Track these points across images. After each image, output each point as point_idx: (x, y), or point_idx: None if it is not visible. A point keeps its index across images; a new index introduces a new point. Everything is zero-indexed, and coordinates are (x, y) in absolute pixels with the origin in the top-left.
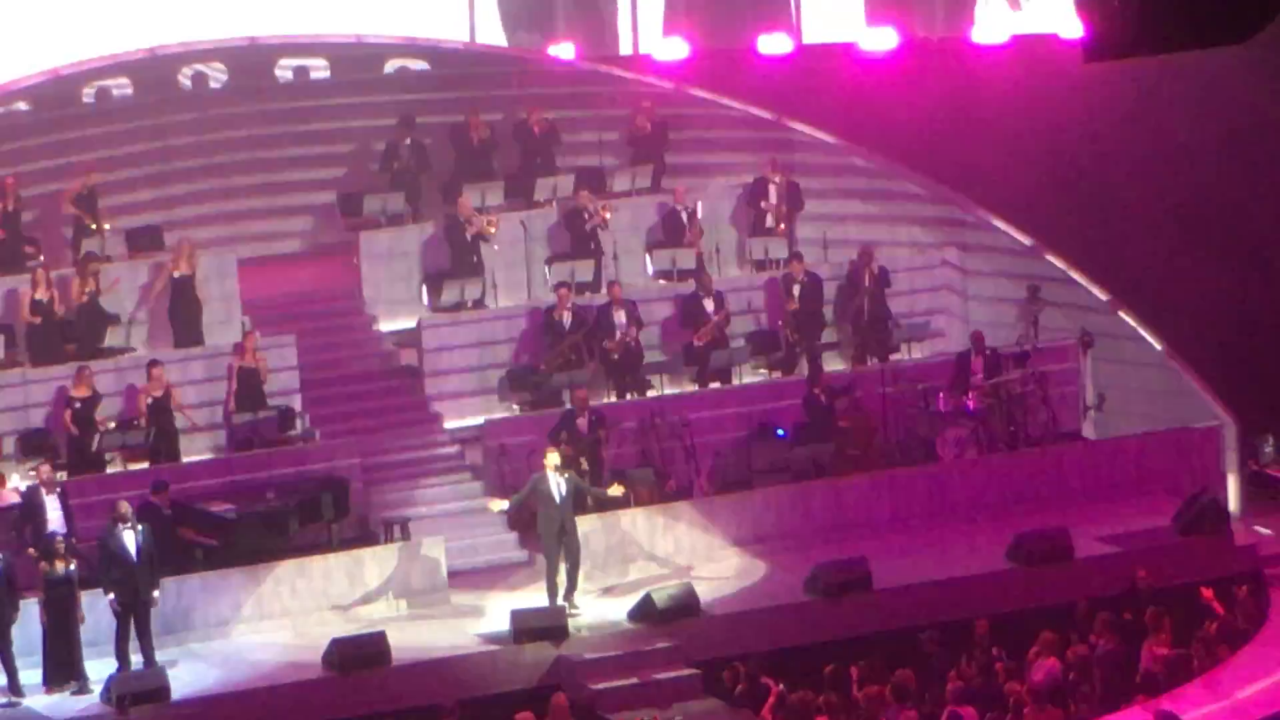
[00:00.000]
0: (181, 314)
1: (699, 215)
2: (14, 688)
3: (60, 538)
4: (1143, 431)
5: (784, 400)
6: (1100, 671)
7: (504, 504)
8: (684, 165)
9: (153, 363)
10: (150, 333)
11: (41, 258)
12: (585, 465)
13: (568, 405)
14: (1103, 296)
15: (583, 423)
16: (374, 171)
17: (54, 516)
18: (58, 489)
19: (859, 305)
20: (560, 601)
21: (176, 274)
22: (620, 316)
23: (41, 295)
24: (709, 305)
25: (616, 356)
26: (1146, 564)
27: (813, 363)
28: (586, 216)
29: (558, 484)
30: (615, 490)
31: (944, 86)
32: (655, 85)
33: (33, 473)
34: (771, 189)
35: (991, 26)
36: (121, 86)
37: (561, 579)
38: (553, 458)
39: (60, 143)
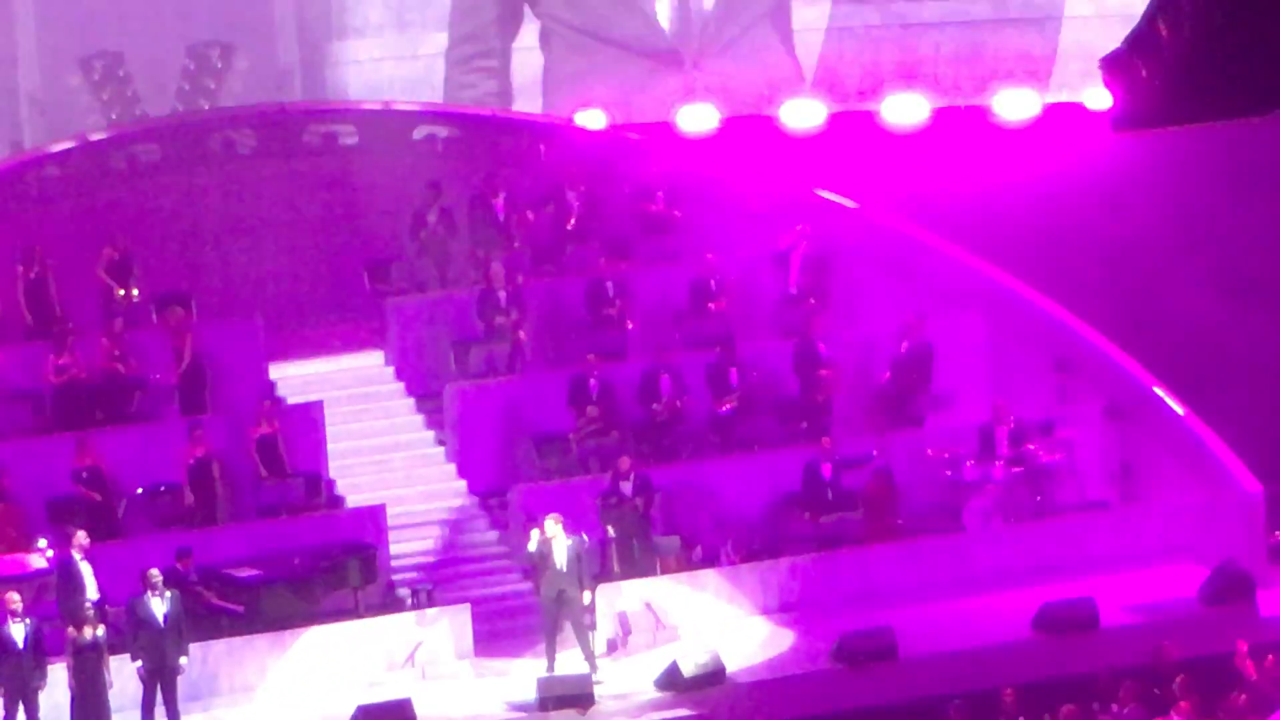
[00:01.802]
0: (190, 383)
1: (727, 284)
2: None
3: (90, 604)
4: (1169, 501)
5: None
6: None
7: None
8: (711, 234)
9: (194, 425)
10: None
11: (70, 323)
12: (612, 532)
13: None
14: (1130, 365)
15: (627, 487)
16: (402, 238)
17: (91, 584)
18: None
19: (894, 373)
20: (578, 668)
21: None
22: (666, 381)
23: (67, 361)
24: (734, 375)
25: (666, 415)
26: (1172, 634)
27: (818, 434)
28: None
29: (559, 550)
30: (585, 597)
31: (972, 155)
32: (682, 154)
33: (45, 543)
34: (797, 257)
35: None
36: (150, 152)
37: (570, 649)
38: (550, 524)
39: (90, 208)
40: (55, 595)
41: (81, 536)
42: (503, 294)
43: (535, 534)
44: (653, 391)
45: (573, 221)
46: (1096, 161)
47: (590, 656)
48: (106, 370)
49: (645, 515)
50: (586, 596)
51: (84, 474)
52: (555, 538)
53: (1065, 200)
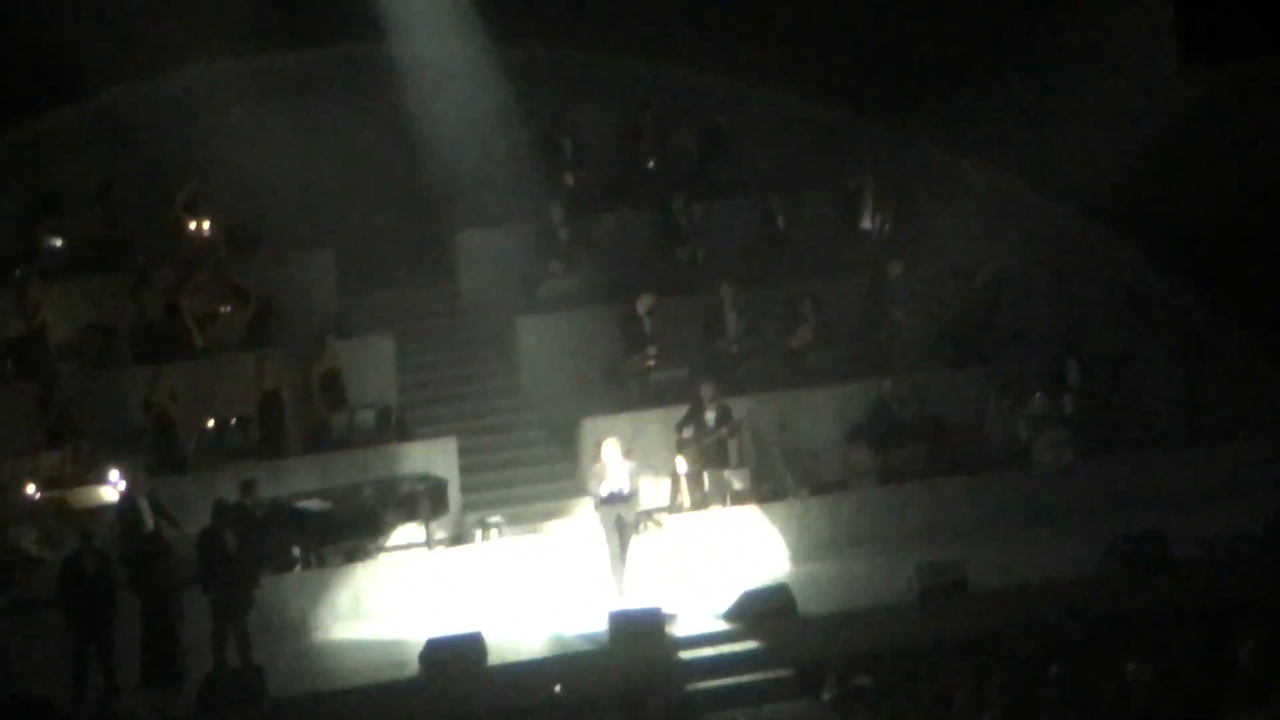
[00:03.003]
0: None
1: (796, 219)
2: (111, 686)
3: (160, 538)
4: (1241, 435)
5: None
6: (1192, 677)
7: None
8: (778, 168)
9: (262, 358)
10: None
11: (144, 258)
12: (685, 466)
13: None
14: (1202, 300)
15: (710, 416)
16: (474, 171)
17: (149, 519)
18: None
19: (966, 308)
20: (650, 600)
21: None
22: (732, 317)
23: (148, 296)
24: (807, 308)
25: (735, 349)
26: (1241, 571)
27: (887, 368)
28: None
29: (617, 473)
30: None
31: None
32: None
33: (116, 475)
34: (868, 193)
35: None
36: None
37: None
38: (608, 448)
39: (164, 143)
40: (121, 530)
41: (140, 474)
42: (562, 232)
43: (599, 468)
44: (719, 325)
45: (651, 162)
46: (1173, 94)
47: (619, 571)
48: (178, 305)
49: (724, 446)
50: (641, 515)
51: (154, 407)
52: (613, 461)
53: (1142, 134)
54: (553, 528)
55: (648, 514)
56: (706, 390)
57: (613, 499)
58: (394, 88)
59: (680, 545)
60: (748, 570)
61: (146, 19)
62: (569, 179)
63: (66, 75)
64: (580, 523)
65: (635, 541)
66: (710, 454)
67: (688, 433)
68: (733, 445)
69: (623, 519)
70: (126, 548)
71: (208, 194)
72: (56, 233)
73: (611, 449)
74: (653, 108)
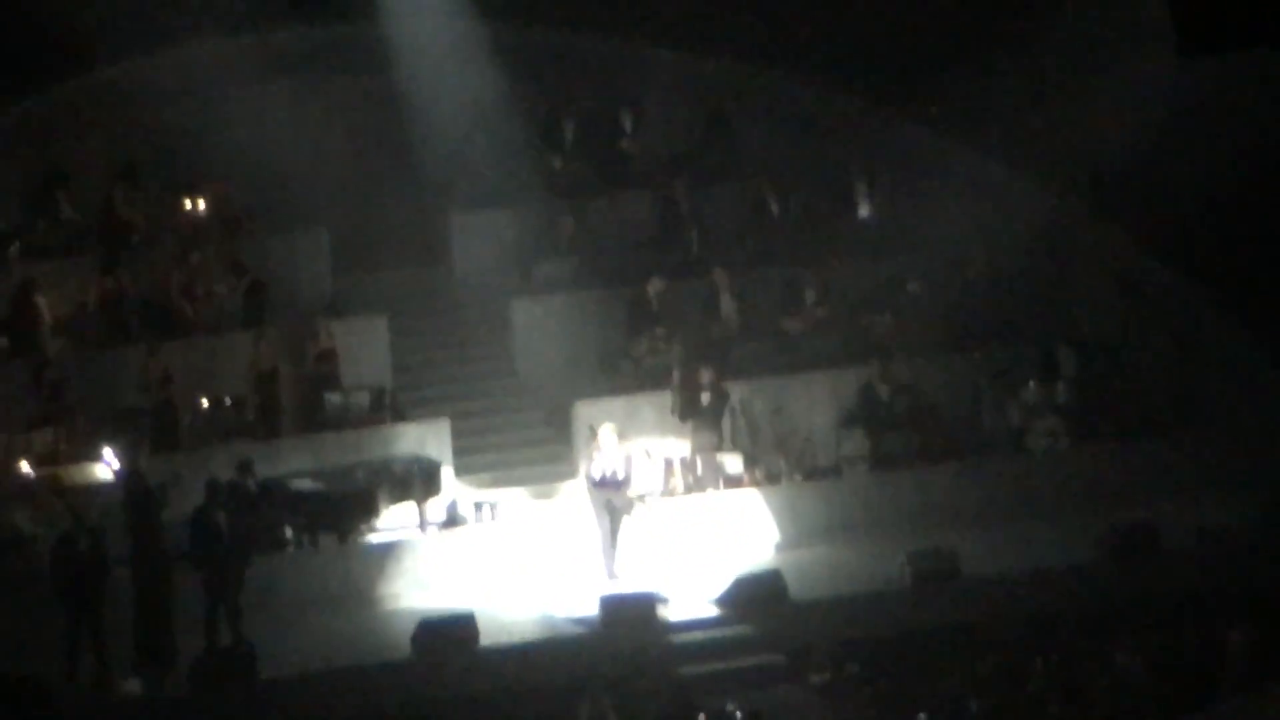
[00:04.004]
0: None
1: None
2: (104, 664)
3: (155, 516)
4: (1237, 424)
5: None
6: (1183, 666)
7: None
8: (772, 153)
9: (260, 336)
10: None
11: (136, 237)
12: (679, 448)
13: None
14: (1197, 289)
15: (706, 397)
16: (469, 152)
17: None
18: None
19: (963, 295)
20: (642, 586)
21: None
22: (725, 299)
23: (113, 279)
24: (810, 295)
25: (731, 334)
26: (1234, 561)
27: (877, 355)
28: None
29: (611, 458)
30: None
31: None
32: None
33: (110, 453)
34: (862, 180)
35: None
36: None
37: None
38: (605, 432)
39: (158, 123)
40: (129, 501)
41: (142, 451)
42: (558, 214)
43: (593, 450)
44: (714, 310)
45: (625, 141)
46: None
47: (611, 555)
48: (168, 284)
49: (718, 429)
50: (633, 499)
51: (151, 386)
52: (608, 445)
53: (1138, 125)
54: (545, 510)
55: (639, 497)
56: (705, 375)
57: (605, 483)
58: (391, 68)
59: (673, 529)
60: (740, 555)
61: None
62: (556, 163)
63: (68, 50)
64: (573, 506)
65: (627, 525)
66: (703, 436)
67: (686, 414)
68: (726, 429)
69: (614, 503)
70: (130, 523)
71: (223, 189)
72: (72, 204)
73: (608, 433)
74: (629, 96)
